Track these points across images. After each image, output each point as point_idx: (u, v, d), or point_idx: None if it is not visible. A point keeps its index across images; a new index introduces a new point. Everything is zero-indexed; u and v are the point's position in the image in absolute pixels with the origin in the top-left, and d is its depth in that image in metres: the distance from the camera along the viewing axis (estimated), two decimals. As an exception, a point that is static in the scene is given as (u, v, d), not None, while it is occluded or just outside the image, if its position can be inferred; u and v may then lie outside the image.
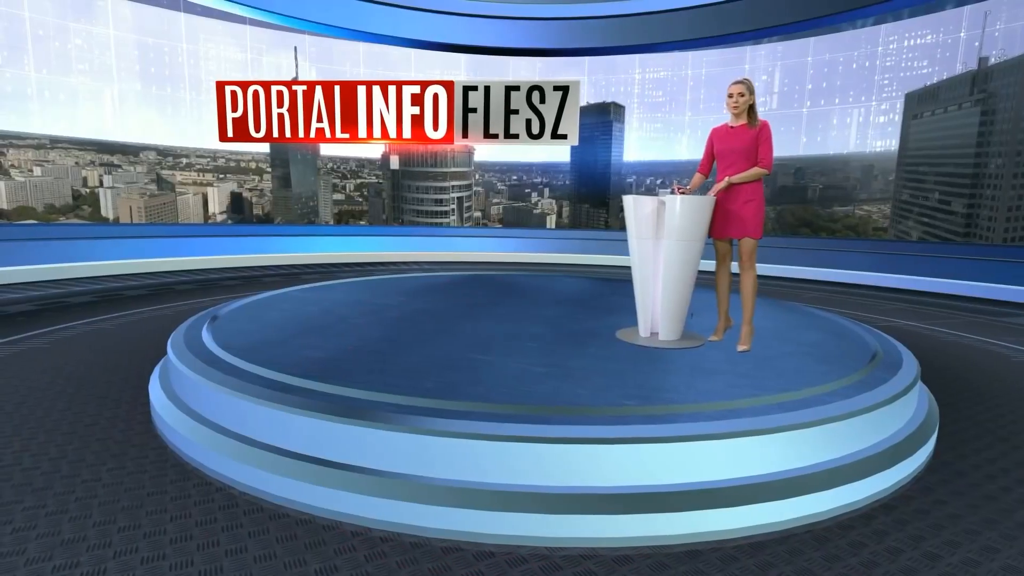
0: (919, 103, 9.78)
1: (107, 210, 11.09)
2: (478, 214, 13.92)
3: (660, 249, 3.48)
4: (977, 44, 9.11)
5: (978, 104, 9.05)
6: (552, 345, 3.33)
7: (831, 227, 10.99)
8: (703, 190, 3.59)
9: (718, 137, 3.47)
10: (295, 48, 12.65)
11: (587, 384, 2.57)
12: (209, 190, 12.68)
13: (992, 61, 8.95)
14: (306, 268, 10.45)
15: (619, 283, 6.33)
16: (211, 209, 12.70)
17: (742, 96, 3.31)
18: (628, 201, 3.57)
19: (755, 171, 3.31)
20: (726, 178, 3.34)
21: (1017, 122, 8.64)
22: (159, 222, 11.70)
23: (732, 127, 3.41)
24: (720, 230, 3.46)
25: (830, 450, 2.26)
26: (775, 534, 2.02)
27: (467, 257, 12.18)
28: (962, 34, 9.47)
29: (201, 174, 12.58)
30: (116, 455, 2.57)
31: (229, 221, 12.76)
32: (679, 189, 3.41)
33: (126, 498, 2.19)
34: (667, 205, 3.37)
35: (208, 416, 2.57)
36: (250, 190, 13.25)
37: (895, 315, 6.58)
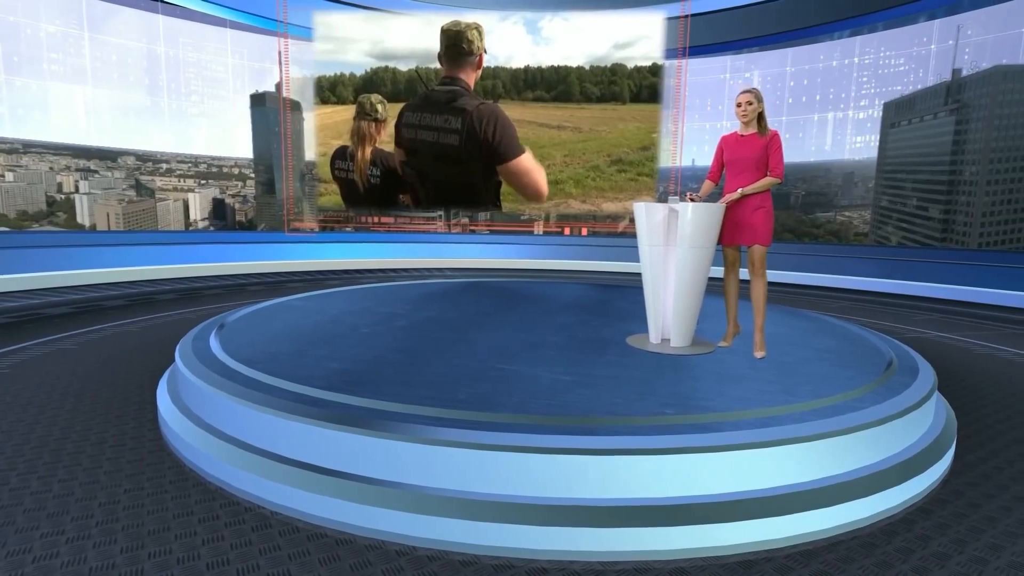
0: (896, 112, 10.10)
1: (83, 217, 10.71)
2: (466, 219, 13.85)
3: (671, 256, 3.50)
4: (952, 42, 9.41)
5: (952, 114, 9.39)
6: (572, 353, 3.30)
7: (814, 232, 11.25)
8: (712, 198, 3.63)
9: (728, 145, 3.50)
10: (279, 53, 12.44)
11: (619, 393, 2.55)
12: (190, 196, 12.36)
13: (965, 72, 9.30)
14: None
15: (618, 289, 6.35)
16: (192, 216, 12.39)
17: (750, 105, 3.35)
18: (639, 208, 3.58)
19: (767, 180, 3.35)
20: (739, 189, 3.37)
21: (989, 131, 8.98)
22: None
23: (742, 135, 3.45)
24: (730, 237, 3.49)
25: (867, 455, 2.28)
26: (822, 542, 2.02)
27: (456, 263, 12.11)
28: (933, 46, 9.83)
29: (182, 180, 12.26)
30: (131, 475, 2.44)
31: (211, 228, 12.47)
32: (690, 197, 3.44)
33: (150, 521, 2.08)
34: (679, 212, 3.39)
35: (230, 432, 2.47)
36: (233, 196, 12.96)
37: (925, 325, 6.41)
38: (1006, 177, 8.82)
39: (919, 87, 9.84)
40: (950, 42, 9.45)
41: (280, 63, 12.33)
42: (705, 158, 12.17)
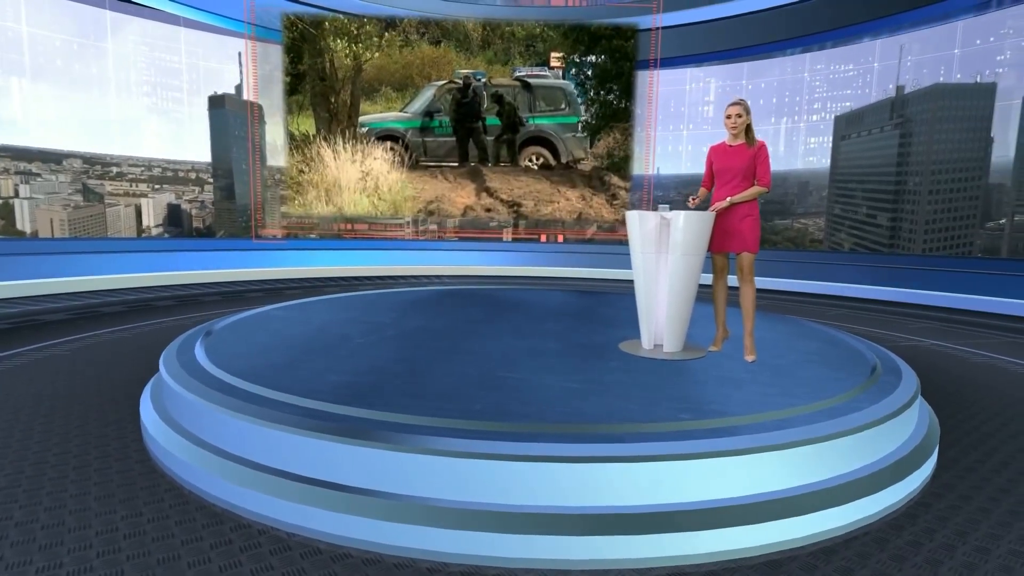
0: (847, 125, 10.68)
1: (23, 223, 10.01)
2: (434, 226, 13.72)
3: (663, 263, 3.57)
4: (899, 46, 10.03)
5: (897, 127, 10.01)
6: (572, 360, 3.32)
7: (773, 239, 11.72)
8: (704, 204, 3.74)
9: (716, 155, 3.61)
10: (239, 54, 12.02)
11: (632, 399, 2.58)
12: (143, 201, 11.74)
13: (908, 89, 9.94)
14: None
15: (597, 295, 6.43)
16: (146, 222, 11.76)
17: (740, 117, 3.46)
18: (633, 216, 3.64)
19: (755, 190, 3.47)
20: (728, 198, 3.47)
21: (930, 144, 9.63)
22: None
23: (730, 146, 3.56)
24: (719, 245, 3.59)
25: (869, 454, 2.38)
26: (838, 539, 2.10)
27: (429, 271, 11.98)
28: (875, 64, 10.48)
29: (134, 184, 11.63)
30: (125, 500, 2.29)
31: (166, 235, 11.89)
32: (693, 201, 3.54)
33: (157, 549, 1.96)
34: (671, 221, 3.47)
35: (234, 451, 2.35)
36: (189, 201, 12.39)
37: (921, 334, 6.32)
38: (946, 187, 9.47)
39: (867, 91, 10.43)
40: (899, 45, 10.07)
41: (241, 64, 11.93)
42: (669, 166, 12.51)
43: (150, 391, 3.21)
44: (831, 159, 10.91)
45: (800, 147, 11.39)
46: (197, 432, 2.55)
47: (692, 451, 2.05)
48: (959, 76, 9.29)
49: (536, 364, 3.19)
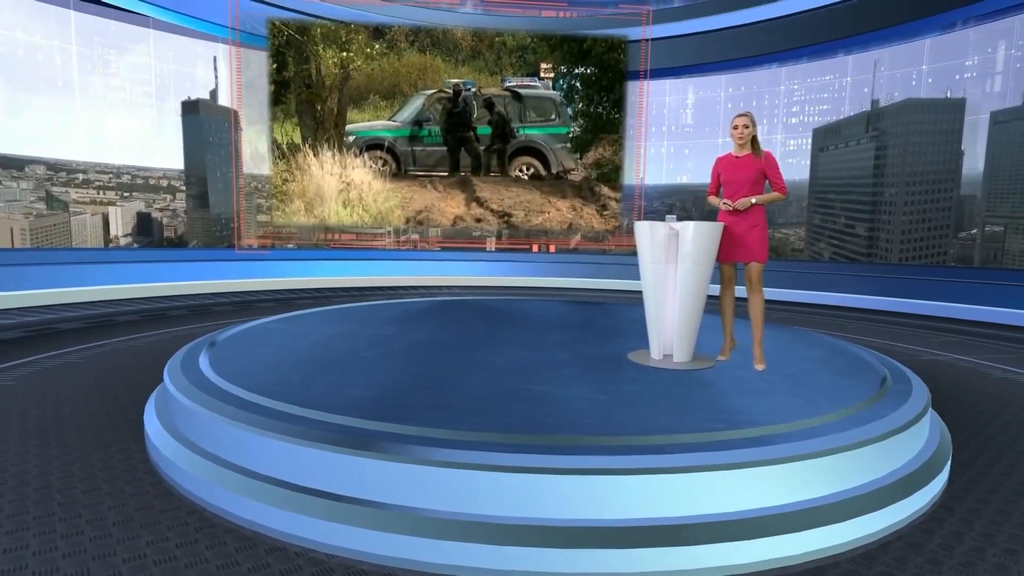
0: (825, 137, 11.04)
1: (-19, 232, 9.55)
2: (416, 236, 13.62)
3: (672, 273, 3.60)
4: (869, 68, 10.45)
5: (873, 140, 10.38)
6: (589, 371, 3.31)
7: (753, 248, 12.00)
8: (711, 216, 3.80)
9: (723, 166, 3.68)
10: (215, 59, 11.76)
11: (661, 410, 2.59)
12: (111, 209, 11.32)
13: (882, 103, 10.33)
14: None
15: (595, 305, 6.46)
16: (113, 231, 11.33)
17: (747, 128, 3.54)
18: (643, 227, 3.67)
19: (775, 195, 3.55)
20: (753, 198, 3.50)
21: (904, 156, 10.01)
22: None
23: (737, 157, 3.63)
24: (727, 254, 3.64)
25: (896, 459, 2.44)
26: (874, 544, 2.14)
27: (416, 281, 11.87)
28: (848, 79, 10.88)
29: (101, 192, 11.21)
30: (147, 525, 2.18)
31: (135, 245, 11.49)
32: (724, 203, 3.60)
33: (192, 576, 1.87)
34: (680, 231, 3.51)
35: (263, 471, 2.26)
36: (160, 210, 12.00)
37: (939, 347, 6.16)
38: (920, 199, 9.85)
39: (842, 96, 10.79)
40: (873, 84, 10.47)
41: (216, 69, 11.67)
42: (651, 174, 12.70)
43: (155, 408, 3.08)
44: (810, 170, 11.24)
45: (778, 157, 11.71)
46: (217, 451, 2.45)
47: (734, 461, 2.06)
48: (930, 80, 9.67)
49: (554, 376, 3.18)
